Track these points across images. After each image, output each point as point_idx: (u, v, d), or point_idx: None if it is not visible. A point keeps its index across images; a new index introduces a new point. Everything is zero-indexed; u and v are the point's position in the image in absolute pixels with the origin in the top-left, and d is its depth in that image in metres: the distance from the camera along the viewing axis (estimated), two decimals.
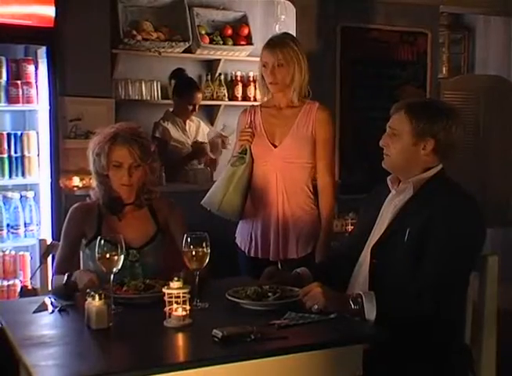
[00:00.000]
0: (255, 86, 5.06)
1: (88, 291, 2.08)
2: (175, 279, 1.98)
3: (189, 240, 2.14)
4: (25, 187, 3.92)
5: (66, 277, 2.33)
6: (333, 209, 3.05)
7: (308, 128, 2.92)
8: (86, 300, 1.98)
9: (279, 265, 2.91)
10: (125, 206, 2.59)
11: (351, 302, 2.06)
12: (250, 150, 2.95)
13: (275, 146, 2.93)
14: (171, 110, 4.69)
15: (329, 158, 2.97)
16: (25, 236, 3.83)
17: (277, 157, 2.91)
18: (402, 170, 2.28)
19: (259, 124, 2.97)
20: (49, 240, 2.94)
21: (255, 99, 5.01)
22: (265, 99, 3.02)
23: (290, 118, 2.94)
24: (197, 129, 4.72)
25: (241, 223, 3.05)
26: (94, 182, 2.60)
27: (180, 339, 1.92)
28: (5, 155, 3.80)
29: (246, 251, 3.01)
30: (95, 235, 2.42)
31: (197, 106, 4.68)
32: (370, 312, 2.03)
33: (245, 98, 5.25)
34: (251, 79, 5.20)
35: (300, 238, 2.93)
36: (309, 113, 2.93)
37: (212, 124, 5.22)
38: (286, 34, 3.08)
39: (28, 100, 3.81)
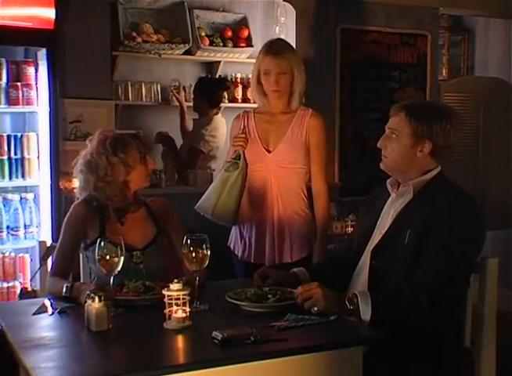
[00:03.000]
0: None
1: (87, 293, 2.09)
2: (175, 281, 1.98)
3: (188, 241, 2.14)
4: (25, 189, 3.92)
5: (65, 289, 2.30)
6: (328, 213, 3.07)
7: (302, 134, 2.93)
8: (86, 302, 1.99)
9: None
10: (129, 209, 2.61)
11: (346, 303, 2.06)
12: (244, 155, 2.96)
13: (269, 152, 2.93)
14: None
15: (322, 163, 2.99)
16: (25, 238, 3.83)
17: (271, 162, 2.92)
18: (399, 172, 2.29)
19: (253, 130, 2.98)
20: (49, 242, 2.94)
21: (255, 102, 5.01)
22: (261, 104, 3.01)
23: (283, 124, 2.95)
24: None
25: (235, 228, 3.05)
26: (99, 184, 2.55)
27: (180, 341, 1.92)
28: (5, 157, 3.80)
29: (240, 256, 3.00)
30: (99, 237, 2.42)
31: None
32: (365, 312, 2.03)
33: (245, 100, 5.25)
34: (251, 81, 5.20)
35: (294, 242, 2.94)
36: (303, 120, 2.94)
37: None
38: (282, 40, 3.09)
39: (28, 102, 3.81)
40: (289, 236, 2.93)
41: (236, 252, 3.02)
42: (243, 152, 2.96)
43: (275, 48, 2.94)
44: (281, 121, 2.97)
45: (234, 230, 3.05)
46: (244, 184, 2.98)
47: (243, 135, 2.96)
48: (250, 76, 5.15)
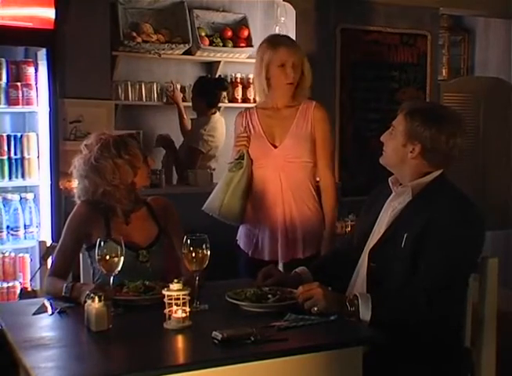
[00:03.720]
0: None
1: (87, 292, 2.09)
2: (175, 281, 1.98)
3: (188, 241, 2.14)
4: (25, 189, 3.92)
5: (65, 289, 2.30)
6: (336, 209, 3.03)
7: (307, 127, 2.92)
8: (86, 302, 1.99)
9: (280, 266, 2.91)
10: (133, 208, 2.61)
11: (347, 304, 2.06)
12: (248, 154, 2.94)
13: (275, 147, 2.92)
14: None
15: (329, 156, 2.98)
16: (25, 238, 3.82)
17: (278, 157, 2.91)
18: (395, 169, 2.30)
19: (257, 126, 2.96)
20: (49, 242, 2.94)
21: (255, 101, 5.02)
22: (265, 99, 2.98)
23: (288, 118, 2.94)
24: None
25: (243, 226, 3.03)
26: (108, 188, 2.54)
27: (180, 341, 1.92)
28: (5, 157, 3.79)
29: (251, 254, 2.98)
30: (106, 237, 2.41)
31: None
32: (365, 314, 2.04)
33: (245, 100, 5.25)
34: (251, 81, 5.20)
35: (307, 238, 2.92)
36: (307, 113, 2.94)
37: None
38: (284, 35, 3.08)
39: (28, 102, 3.81)
40: (301, 232, 2.91)
41: (247, 250, 3.00)
42: (247, 151, 2.94)
43: (284, 39, 2.94)
44: (285, 115, 2.96)
45: (243, 229, 3.04)
46: (249, 182, 2.97)
47: (245, 135, 2.95)
48: (250, 76, 5.19)
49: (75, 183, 2.64)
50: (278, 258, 2.93)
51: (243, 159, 2.94)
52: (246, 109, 3.08)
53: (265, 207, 2.95)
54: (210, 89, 4.74)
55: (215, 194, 3.03)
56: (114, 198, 2.54)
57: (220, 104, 5.14)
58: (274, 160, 2.92)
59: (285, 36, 3.03)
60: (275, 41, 2.93)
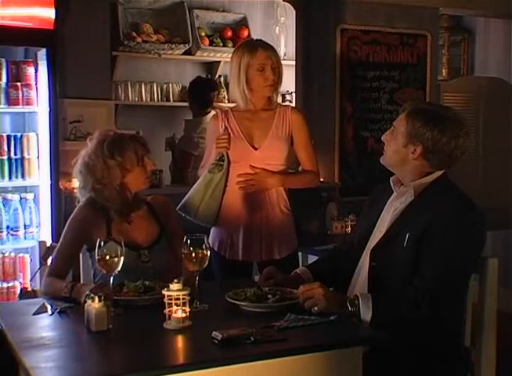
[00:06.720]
0: None
1: (87, 293, 2.09)
2: (175, 281, 1.98)
3: (188, 241, 2.14)
4: (25, 189, 3.92)
5: (66, 289, 2.30)
6: (307, 181, 3.07)
7: (286, 130, 2.94)
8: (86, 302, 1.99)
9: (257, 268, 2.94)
10: (133, 208, 2.60)
11: (348, 304, 2.06)
12: (228, 156, 2.93)
13: (255, 149, 2.93)
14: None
15: (314, 158, 3.02)
16: (25, 238, 3.83)
17: (258, 159, 2.91)
18: (395, 169, 2.29)
19: (235, 128, 2.94)
20: (49, 242, 2.94)
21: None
22: (243, 103, 2.93)
23: (266, 120, 2.95)
24: None
25: (218, 228, 3.00)
26: (97, 186, 2.53)
27: (180, 341, 1.92)
28: (5, 157, 3.80)
29: (227, 255, 2.96)
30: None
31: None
32: (366, 315, 2.04)
33: None
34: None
35: (283, 239, 2.97)
36: (285, 116, 2.96)
37: None
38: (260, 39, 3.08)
39: (28, 102, 3.81)
40: (277, 234, 2.94)
41: (223, 253, 2.97)
42: (227, 153, 2.93)
43: (261, 43, 2.95)
44: (263, 117, 2.96)
45: (217, 230, 3.00)
46: (226, 184, 2.96)
47: (226, 137, 2.92)
48: None
49: (75, 183, 2.64)
50: (253, 258, 2.95)
51: (223, 161, 2.92)
52: (222, 111, 3.06)
53: (243, 208, 2.93)
54: (201, 92, 4.73)
55: (192, 195, 3.00)
56: (103, 197, 2.53)
57: (220, 104, 5.15)
58: (254, 162, 2.91)
59: (260, 40, 3.03)
60: (251, 45, 2.93)
